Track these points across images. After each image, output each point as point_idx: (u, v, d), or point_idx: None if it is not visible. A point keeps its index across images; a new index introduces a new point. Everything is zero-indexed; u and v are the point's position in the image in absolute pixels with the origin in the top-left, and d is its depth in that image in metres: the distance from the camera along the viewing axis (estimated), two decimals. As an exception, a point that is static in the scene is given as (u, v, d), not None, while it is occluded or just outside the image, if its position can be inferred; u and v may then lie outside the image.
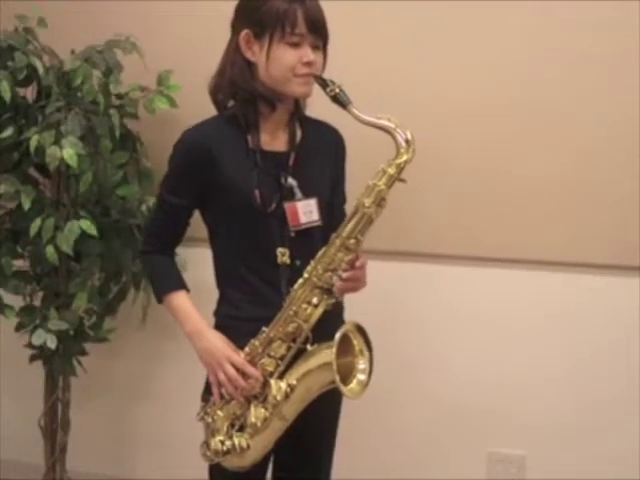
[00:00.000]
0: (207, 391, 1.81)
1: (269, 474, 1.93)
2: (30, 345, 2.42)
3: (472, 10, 2.36)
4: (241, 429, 1.74)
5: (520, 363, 2.43)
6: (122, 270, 2.49)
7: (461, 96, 2.40)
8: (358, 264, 1.72)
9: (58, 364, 2.49)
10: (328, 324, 1.71)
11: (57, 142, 2.24)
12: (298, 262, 1.75)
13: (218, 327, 1.81)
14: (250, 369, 1.71)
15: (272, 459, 1.90)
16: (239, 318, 1.79)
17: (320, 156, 1.85)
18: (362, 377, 1.71)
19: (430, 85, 2.42)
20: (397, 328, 2.51)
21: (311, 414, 1.75)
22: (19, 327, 2.46)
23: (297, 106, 1.84)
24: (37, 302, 2.49)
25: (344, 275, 1.70)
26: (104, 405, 2.85)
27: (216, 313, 1.85)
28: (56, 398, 2.57)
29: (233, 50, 1.77)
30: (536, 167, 2.37)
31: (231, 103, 1.81)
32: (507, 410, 2.46)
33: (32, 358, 2.51)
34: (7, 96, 2.26)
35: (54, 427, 2.59)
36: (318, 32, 1.73)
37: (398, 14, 2.40)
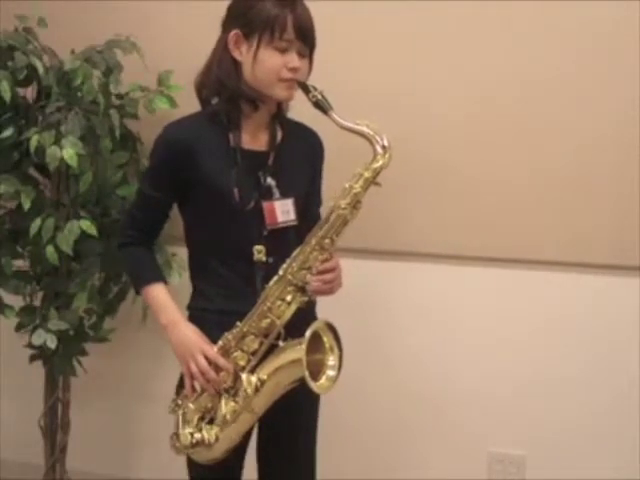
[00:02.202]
0: (181, 385, 1.84)
1: (255, 474, 1.95)
2: (30, 345, 2.42)
3: (470, 10, 2.35)
4: (210, 422, 1.77)
5: (520, 363, 2.43)
6: (122, 270, 2.49)
7: (457, 96, 2.40)
8: (329, 265, 1.74)
9: (58, 364, 2.49)
10: (299, 320, 1.73)
11: (57, 142, 2.24)
12: (271, 259, 1.78)
13: (190, 320, 1.84)
14: (222, 361, 1.74)
15: (256, 461, 1.92)
16: (210, 310, 1.82)
17: (299, 158, 1.87)
18: (332, 373, 1.75)
19: (427, 85, 2.42)
20: (395, 329, 2.51)
21: (290, 413, 1.78)
22: (19, 327, 2.46)
23: (279, 108, 1.86)
24: (37, 302, 2.49)
25: (314, 278, 1.72)
26: (104, 405, 2.85)
27: (189, 307, 1.87)
28: (56, 398, 2.57)
29: (221, 49, 1.79)
30: (536, 167, 2.37)
31: (215, 100, 1.82)
32: (507, 410, 2.46)
33: (32, 358, 2.51)
34: (7, 96, 2.26)
35: (54, 427, 2.59)
36: (306, 40, 1.75)
37: (396, 15, 2.40)
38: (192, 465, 1.87)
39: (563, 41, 2.32)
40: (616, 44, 2.27)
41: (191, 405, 1.79)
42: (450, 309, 2.48)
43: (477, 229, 2.43)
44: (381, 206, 2.34)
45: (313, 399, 1.90)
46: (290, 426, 1.84)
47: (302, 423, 1.91)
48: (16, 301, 2.49)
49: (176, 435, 1.80)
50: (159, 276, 1.87)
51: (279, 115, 1.86)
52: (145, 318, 2.50)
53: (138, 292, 1.88)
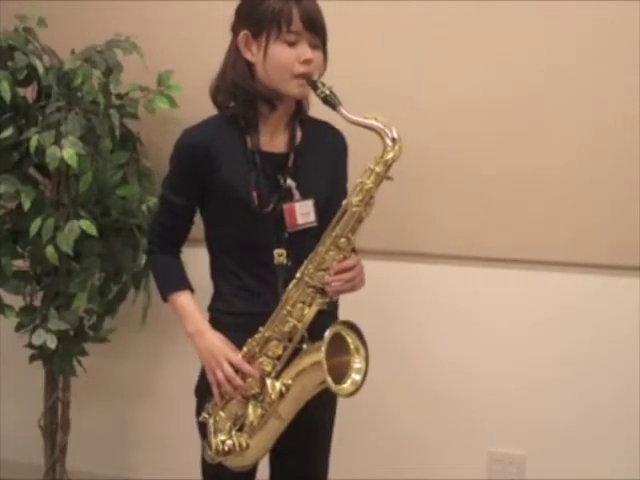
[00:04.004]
0: (200, 387, 1.83)
1: (266, 475, 1.94)
2: (30, 345, 2.42)
3: (473, 9, 2.35)
4: (241, 429, 1.76)
5: (520, 363, 2.44)
6: (122, 270, 2.49)
7: (461, 96, 2.40)
8: (347, 264, 1.72)
9: (58, 364, 2.49)
10: (321, 323, 1.72)
11: (57, 142, 2.24)
12: (290, 262, 1.77)
13: (211, 321, 1.84)
14: (247, 368, 1.73)
15: (269, 459, 1.91)
16: (230, 313, 1.81)
17: (319, 157, 1.85)
18: (357, 377, 1.72)
19: (431, 85, 2.42)
20: (396, 328, 2.51)
21: (307, 413, 1.76)
22: (19, 327, 2.46)
23: (299, 107, 1.84)
24: (37, 302, 2.49)
25: (332, 278, 1.71)
26: (104, 405, 2.86)
27: (209, 308, 1.87)
28: (56, 398, 2.57)
29: (233, 52, 1.78)
30: (536, 167, 2.37)
31: (232, 104, 1.81)
32: (507, 410, 2.46)
33: (32, 358, 2.50)
34: (7, 96, 2.26)
35: (54, 427, 2.59)
36: (315, 30, 1.73)
37: (399, 12, 2.40)
38: (205, 465, 1.86)
39: (565, 42, 2.31)
40: (617, 43, 2.27)
41: (222, 413, 1.77)
42: (448, 310, 2.48)
43: (477, 229, 2.43)
44: (383, 207, 2.34)
45: (331, 400, 1.89)
46: (306, 426, 1.82)
47: (318, 424, 1.89)
48: (16, 301, 2.49)
49: (208, 443, 1.78)
50: (185, 284, 1.85)
51: (298, 114, 1.84)
52: (145, 318, 2.51)
53: (165, 300, 1.86)
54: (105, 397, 2.85)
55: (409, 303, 2.51)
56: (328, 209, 1.81)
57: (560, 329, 2.40)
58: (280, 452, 1.87)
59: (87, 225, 2.30)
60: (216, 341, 1.77)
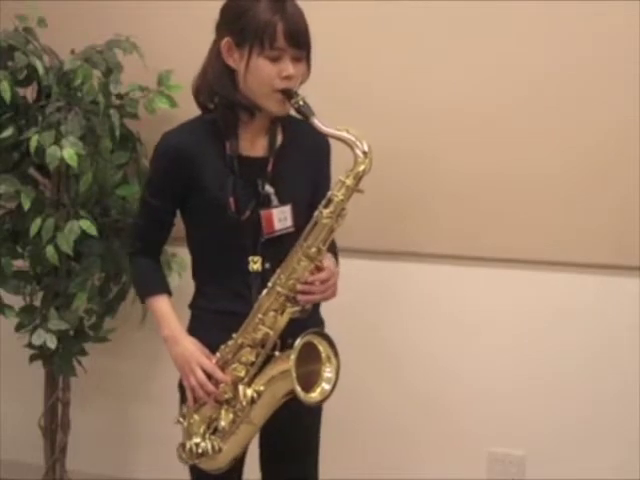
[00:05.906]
0: (180, 389, 1.85)
1: (253, 475, 1.95)
2: (30, 345, 2.43)
3: (474, 11, 2.35)
4: (215, 432, 1.77)
5: (520, 363, 2.43)
6: (122, 270, 2.49)
7: (462, 97, 2.40)
8: (320, 277, 1.71)
9: (58, 364, 2.49)
10: (306, 326, 1.71)
11: (57, 142, 2.25)
12: (268, 265, 1.76)
13: (191, 319, 1.85)
14: (219, 374, 1.74)
15: (259, 463, 1.92)
16: (211, 310, 1.81)
17: (300, 160, 1.83)
18: (327, 387, 1.72)
19: (430, 86, 2.42)
20: (395, 328, 2.51)
21: (294, 416, 1.77)
22: (19, 327, 2.46)
23: None
24: (37, 302, 2.49)
25: (301, 288, 1.69)
26: (104, 405, 2.86)
27: (190, 306, 1.87)
28: (56, 398, 2.58)
29: (215, 55, 1.76)
30: (536, 167, 2.37)
31: (212, 106, 1.80)
32: (507, 410, 2.46)
33: (32, 358, 2.51)
34: (7, 96, 2.26)
35: (54, 427, 2.59)
36: (298, 45, 1.70)
37: (395, 13, 2.40)
38: (193, 468, 1.86)
39: (564, 42, 2.31)
40: (617, 45, 2.27)
41: (196, 416, 1.79)
42: (449, 310, 2.48)
43: (477, 229, 2.43)
44: (383, 207, 2.34)
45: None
46: (293, 427, 1.83)
47: (305, 424, 1.89)
48: (16, 301, 2.49)
49: (182, 446, 1.80)
50: (162, 287, 1.85)
51: (280, 118, 1.80)
52: (145, 318, 2.51)
53: (143, 302, 1.87)
54: (105, 397, 2.85)
55: (408, 303, 2.51)
56: (309, 213, 1.77)
57: (560, 329, 2.40)
58: (270, 456, 1.89)
59: (87, 225, 2.30)
60: (190, 347, 1.78)
